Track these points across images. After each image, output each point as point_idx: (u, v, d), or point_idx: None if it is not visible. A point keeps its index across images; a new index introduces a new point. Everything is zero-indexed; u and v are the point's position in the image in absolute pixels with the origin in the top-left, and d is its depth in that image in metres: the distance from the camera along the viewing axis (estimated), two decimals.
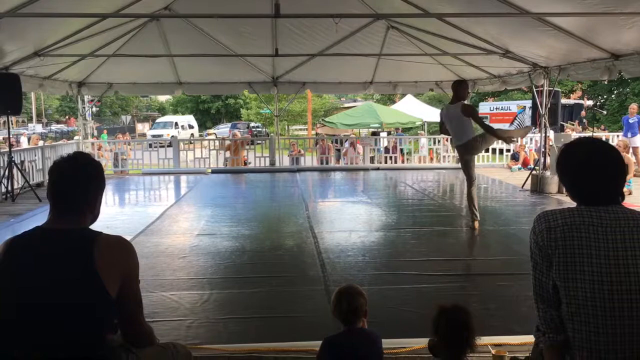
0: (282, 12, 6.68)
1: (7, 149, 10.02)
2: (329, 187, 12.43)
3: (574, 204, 2.08)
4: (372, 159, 15.53)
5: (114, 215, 8.37)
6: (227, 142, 15.65)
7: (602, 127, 22.18)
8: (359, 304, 2.72)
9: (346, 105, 39.98)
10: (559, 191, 9.88)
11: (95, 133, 22.63)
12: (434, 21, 9.36)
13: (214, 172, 14.10)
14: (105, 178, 2.19)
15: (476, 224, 7.06)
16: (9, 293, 1.90)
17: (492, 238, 6.96)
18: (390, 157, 15.26)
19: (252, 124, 37.31)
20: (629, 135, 13.08)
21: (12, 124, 12.55)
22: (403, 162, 15.37)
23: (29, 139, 20.06)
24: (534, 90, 10.90)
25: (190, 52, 11.33)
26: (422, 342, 3.24)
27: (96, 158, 2.15)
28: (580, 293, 1.90)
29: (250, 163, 15.62)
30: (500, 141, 8.15)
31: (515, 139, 7.04)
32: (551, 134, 11.27)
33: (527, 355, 2.81)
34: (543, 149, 10.97)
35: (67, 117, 46.53)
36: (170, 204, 9.39)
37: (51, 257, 1.94)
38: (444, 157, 15.37)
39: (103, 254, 1.94)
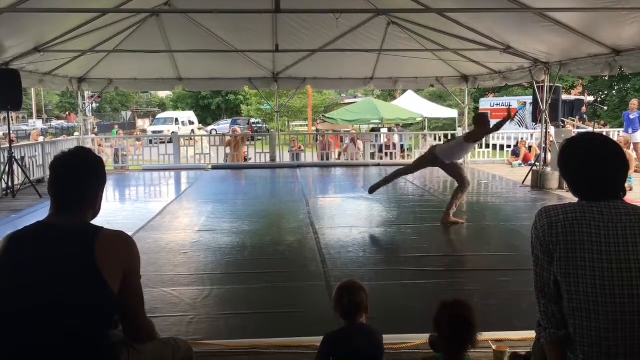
0: (282, 7, 6.65)
1: (8, 145, 10.02)
2: (330, 183, 12.43)
3: (575, 200, 2.08)
4: (372, 155, 15.51)
5: (114, 211, 8.36)
6: (228, 138, 15.64)
7: (603, 122, 22.13)
8: (360, 299, 2.73)
9: (347, 101, 39.92)
10: (560, 187, 9.87)
11: (96, 129, 22.62)
12: (434, 17, 9.34)
13: (214, 168, 14.09)
14: (106, 173, 2.18)
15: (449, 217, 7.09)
16: (9, 288, 1.90)
17: (493, 234, 6.97)
18: (386, 154, 15.21)
19: (252, 120, 37.29)
20: (630, 131, 13.07)
21: (12, 120, 12.54)
22: (404, 157, 15.36)
23: (44, 135, 20.06)
24: (535, 86, 10.88)
25: (190, 48, 11.32)
26: (423, 338, 3.24)
27: (96, 154, 2.15)
28: (581, 288, 1.90)
29: (250, 159, 15.61)
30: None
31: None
32: (552, 129, 11.25)
33: (528, 350, 2.82)
34: (544, 145, 10.96)
35: (67, 113, 46.46)
36: (171, 200, 9.39)
37: (52, 252, 1.93)
38: None
39: (104, 249, 1.94)
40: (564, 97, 15.22)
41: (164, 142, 16.26)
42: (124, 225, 6.98)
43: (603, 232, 1.91)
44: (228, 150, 15.12)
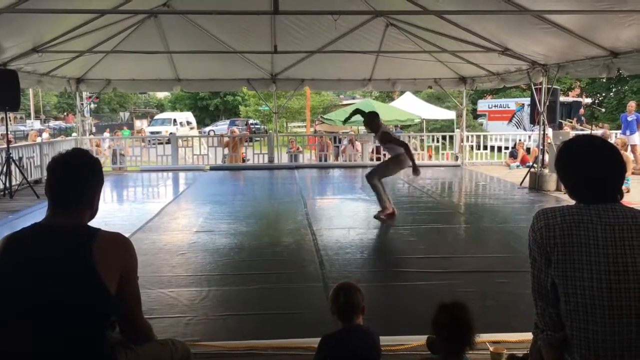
0: (281, 8, 6.65)
1: (5, 145, 10.00)
2: (328, 184, 12.43)
3: (572, 202, 2.08)
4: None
5: (112, 212, 8.36)
6: (226, 139, 15.63)
7: (601, 124, 22.18)
8: (356, 300, 2.73)
9: (345, 102, 39.89)
10: (557, 189, 9.88)
11: (94, 130, 22.62)
12: (432, 18, 9.35)
13: (212, 169, 14.08)
14: (103, 174, 2.18)
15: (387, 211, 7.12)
16: (7, 289, 1.89)
17: (491, 235, 6.97)
18: (378, 158, 15.13)
19: (250, 121, 37.26)
20: (628, 133, 13.09)
21: (10, 121, 12.52)
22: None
23: (61, 134, 20.17)
24: (533, 87, 10.89)
25: (188, 49, 11.31)
26: (420, 340, 3.24)
27: (94, 155, 2.14)
28: (578, 291, 1.90)
29: (248, 160, 15.61)
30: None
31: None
32: (549, 131, 11.27)
33: (526, 352, 2.82)
34: (541, 147, 10.97)
35: (65, 113, 46.40)
36: (169, 201, 9.39)
37: (49, 253, 1.93)
38: (443, 154, 15.38)
39: (102, 251, 1.93)
40: (562, 99, 15.23)
41: (162, 143, 16.25)
42: (122, 226, 6.97)
43: (601, 234, 1.91)
44: (226, 151, 15.10)
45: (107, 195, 10.24)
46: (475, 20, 8.91)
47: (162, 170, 14.00)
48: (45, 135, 22.46)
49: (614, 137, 13.56)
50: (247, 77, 13.63)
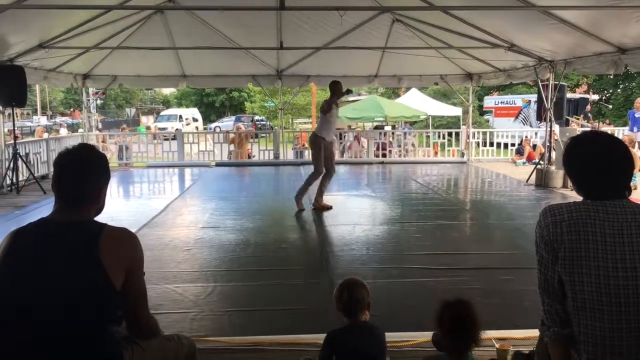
0: (287, 4, 6.65)
1: (12, 141, 10.05)
2: (333, 180, 12.38)
3: (579, 198, 2.07)
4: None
5: (118, 208, 8.39)
6: (232, 136, 15.65)
7: (607, 121, 22.06)
8: (361, 296, 2.73)
9: (350, 98, 39.81)
10: (564, 185, 9.85)
11: (100, 126, 22.71)
12: (439, 14, 9.30)
13: (218, 165, 14.10)
14: (110, 170, 2.19)
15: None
16: (13, 285, 1.90)
17: (496, 232, 6.95)
18: (383, 154, 15.15)
19: (256, 117, 37.27)
20: (635, 129, 13.01)
21: (16, 116, 12.57)
22: (406, 155, 15.35)
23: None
24: (540, 84, 10.85)
25: (194, 45, 11.31)
26: (426, 336, 3.24)
27: (100, 150, 2.14)
28: (585, 287, 1.89)
29: (254, 156, 15.62)
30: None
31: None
32: (556, 128, 11.22)
33: (532, 349, 2.81)
34: (548, 143, 10.93)
35: (71, 109, 46.57)
36: (175, 197, 9.41)
37: (55, 248, 1.94)
38: (449, 151, 15.34)
39: (108, 246, 1.94)
40: (569, 95, 15.17)
41: (167, 139, 16.29)
42: (128, 221, 6.99)
43: (608, 231, 1.90)
44: (232, 147, 15.12)
45: (113, 191, 10.28)
46: (482, 16, 8.87)
47: (168, 167, 14.04)
48: (63, 130, 22.67)
49: (621, 134, 13.48)
50: (252, 73, 13.61)
